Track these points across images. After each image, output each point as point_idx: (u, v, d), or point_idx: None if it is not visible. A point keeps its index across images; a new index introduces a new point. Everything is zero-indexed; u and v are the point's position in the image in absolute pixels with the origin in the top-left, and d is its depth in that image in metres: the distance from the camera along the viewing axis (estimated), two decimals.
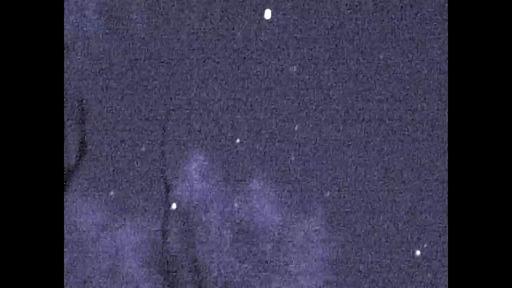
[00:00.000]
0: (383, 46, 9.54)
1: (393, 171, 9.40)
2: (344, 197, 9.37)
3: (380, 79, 9.50)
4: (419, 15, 9.40)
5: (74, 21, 9.30)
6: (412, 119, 9.42)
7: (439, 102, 9.38)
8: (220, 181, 9.40)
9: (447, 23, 9.00)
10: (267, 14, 8.91)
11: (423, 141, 9.38)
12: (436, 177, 9.28)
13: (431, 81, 9.42)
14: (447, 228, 9.02)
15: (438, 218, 9.28)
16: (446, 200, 9.14)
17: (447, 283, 9.04)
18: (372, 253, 9.27)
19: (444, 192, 9.21)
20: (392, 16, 9.52)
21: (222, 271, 9.19)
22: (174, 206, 9.32)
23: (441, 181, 9.24)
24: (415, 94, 9.44)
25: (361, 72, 9.55)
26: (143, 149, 9.40)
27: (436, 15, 9.29)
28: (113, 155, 9.35)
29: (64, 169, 9.21)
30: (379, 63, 9.52)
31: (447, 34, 9.13)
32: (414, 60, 9.48)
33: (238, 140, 9.44)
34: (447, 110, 9.18)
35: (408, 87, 9.47)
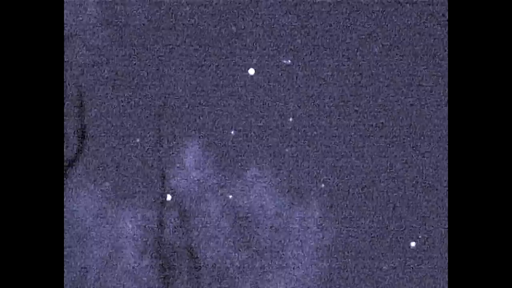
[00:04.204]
0: (380, 40, 9.58)
1: (389, 162, 9.45)
2: (339, 187, 9.42)
3: (377, 73, 9.55)
4: (418, 11, 9.45)
5: (73, 12, 9.30)
6: (410, 111, 9.46)
7: (439, 86, 9.42)
8: (216, 171, 9.44)
9: (447, 22, 9.06)
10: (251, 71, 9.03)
11: (421, 133, 9.42)
12: (435, 170, 9.33)
13: (430, 77, 9.47)
14: (444, 220, 9.11)
15: (436, 209, 9.34)
16: (444, 193, 9.21)
17: (444, 274, 9.13)
18: (368, 242, 9.34)
19: (442, 185, 9.26)
20: (390, 10, 9.56)
21: (218, 260, 9.25)
22: (169, 197, 9.36)
23: (440, 174, 9.29)
24: (413, 86, 9.48)
25: (357, 65, 9.58)
26: (139, 139, 9.43)
27: (435, 11, 9.33)
28: (111, 145, 9.38)
29: (64, 160, 9.24)
30: (375, 56, 9.56)
31: (447, 30, 9.19)
32: (411, 54, 9.52)
33: (233, 132, 9.48)
34: (447, 92, 9.23)
35: (405, 80, 9.51)
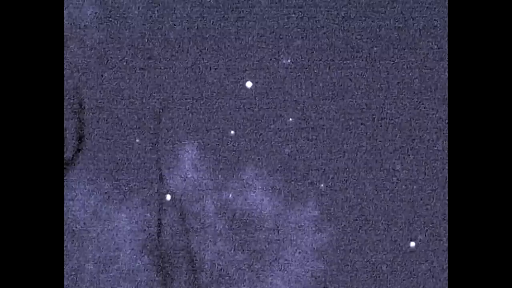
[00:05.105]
0: (380, 40, 9.60)
1: (389, 163, 9.46)
2: (338, 188, 9.43)
3: (376, 74, 9.56)
4: (418, 11, 9.46)
5: (72, 13, 9.30)
6: (410, 112, 9.48)
7: (439, 86, 9.43)
8: (214, 172, 9.44)
9: (447, 21, 9.07)
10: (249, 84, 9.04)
11: (421, 134, 9.43)
12: (435, 171, 9.34)
13: (430, 78, 9.49)
14: (443, 221, 9.13)
15: (435, 211, 9.35)
16: (444, 193, 9.22)
17: (444, 274, 9.14)
18: (365, 243, 9.34)
19: (442, 185, 9.27)
20: (390, 10, 9.57)
21: (216, 261, 9.25)
22: (168, 197, 9.36)
23: (439, 174, 9.31)
24: (413, 87, 9.50)
25: (357, 66, 9.60)
26: (138, 140, 9.43)
27: (435, 12, 9.35)
28: (110, 146, 9.38)
29: (64, 161, 9.23)
30: (375, 57, 9.57)
31: (447, 30, 9.20)
32: (411, 55, 9.54)
33: (232, 132, 9.48)
34: (447, 92, 9.24)
35: (405, 81, 9.52)
